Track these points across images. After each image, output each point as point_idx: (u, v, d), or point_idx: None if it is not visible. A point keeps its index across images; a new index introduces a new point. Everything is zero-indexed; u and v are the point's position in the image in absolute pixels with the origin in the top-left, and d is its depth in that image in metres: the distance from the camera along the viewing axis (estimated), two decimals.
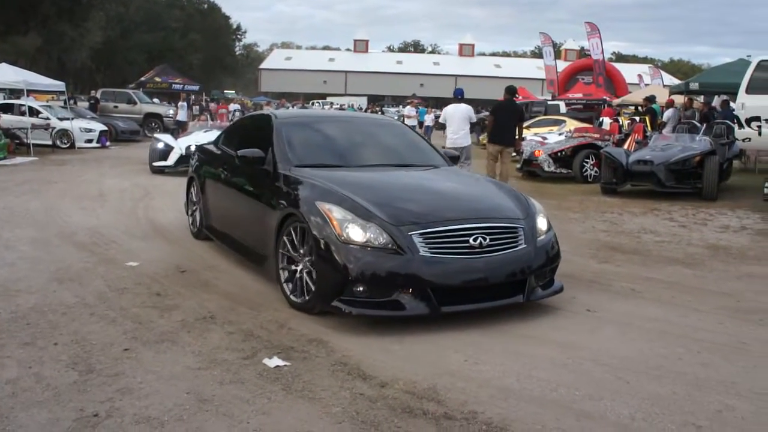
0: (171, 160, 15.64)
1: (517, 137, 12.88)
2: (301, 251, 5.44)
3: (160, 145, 16.08)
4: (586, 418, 3.72)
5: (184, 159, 14.96)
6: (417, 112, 34.70)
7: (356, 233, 5.11)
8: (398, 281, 5.02)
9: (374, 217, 5.20)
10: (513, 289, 5.40)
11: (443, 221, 5.31)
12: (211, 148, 8.28)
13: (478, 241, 5.22)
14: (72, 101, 30.55)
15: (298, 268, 5.47)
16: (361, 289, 5.01)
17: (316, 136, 7.09)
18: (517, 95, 13.83)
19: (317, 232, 5.21)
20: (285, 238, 5.62)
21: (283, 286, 5.63)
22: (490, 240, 5.28)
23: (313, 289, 5.26)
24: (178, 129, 26.00)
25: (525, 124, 17.39)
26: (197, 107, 31.21)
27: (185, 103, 31.07)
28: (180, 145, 15.77)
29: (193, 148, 14.45)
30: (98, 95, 32.15)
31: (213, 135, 15.51)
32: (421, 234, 5.14)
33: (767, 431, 3.65)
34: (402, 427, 3.56)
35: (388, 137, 7.49)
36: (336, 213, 5.24)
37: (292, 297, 5.52)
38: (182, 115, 29.57)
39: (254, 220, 6.35)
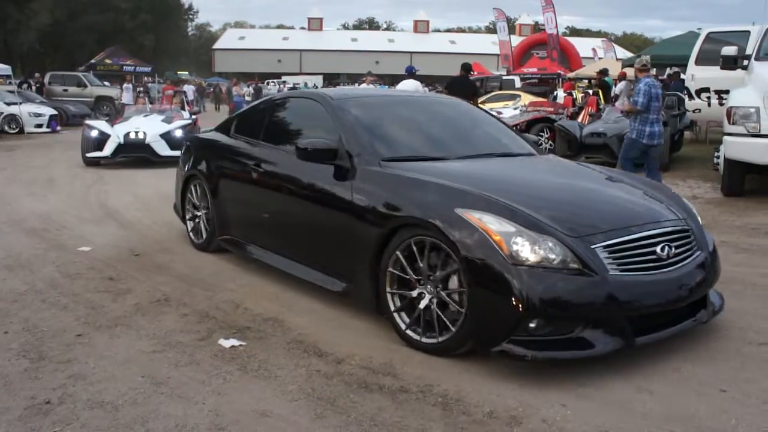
0: (107, 150, 13.75)
1: None
2: (431, 276, 4.18)
3: (94, 134, 13.94)
4: (539, 387, 3.77)
5: (123, 149, 13.74)
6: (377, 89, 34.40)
7: (528, 250, 3.83)
8: (586, 311, 3.87)
9: (545, 227, 3.96)
10: (692, 307, 4.35)
11: (623, 228, 4.15)
12: (220, 138, 6.80)
13: (666, 251, 4.16)
14: (26, 85, 29.80)
15: (417, 295, 4.26)
16: (535, 325, 3.79)
17: (388, 121, 5.73)
18: (472, 71, 14.03)
19: (467, 251, 3.90)
20: (399, 253, 4.33)
21: (395, 317, 4.39)
22: (675, 248, 4.25)
23: (455, 327, 4.03)
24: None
25: (480, 100, 17.76)
26: (141, 89, 29.64)
27: (130, 85, 29.53)
28: (117, 133, 13.88)
29: (135, 136, 13.66)
30: (47, 79, 31.42)
31: (154, 120, 14.75)
32: (605, 247, 3.97)
33: None
34: (358, 402, 3.57)
35: (465, 120, 6.19)
36: (493, 223, 3.94)
37: (410, 332, 4.29)
38: (127, 98, 27.42)
39: (326, 232, 5.03)
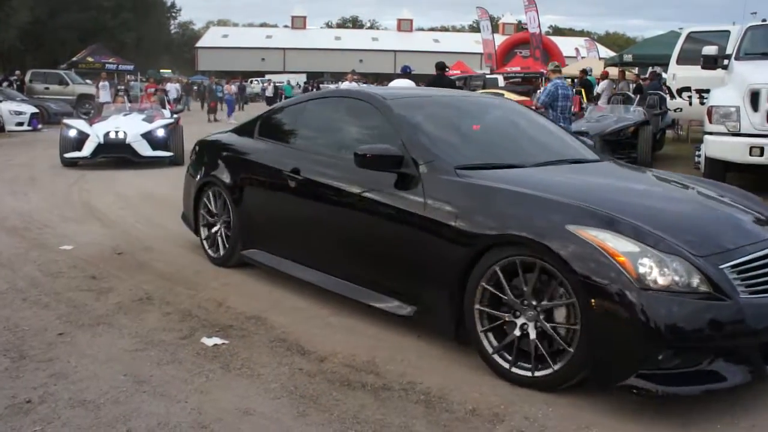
0: (86, 150, 13.18)
1: None
2: (532, 301, 3.71)
3: (73, 133, 13.39)
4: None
5: (102, 149, 13.20)
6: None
7: (656, 272, 3.40)
8: (719, 340, 3.46)
9: (671, 246, 3.52)
10: None
11: (747, 245, 3.73)
12: (242, 141, 6.19)
13: None
14: (7, 84, 29.53)
15: (512, 320, 3.80)
16: (664, 356, 3.38)
17: (449, 123, 5.24)
18: (447, 69, 14.30)
19: (584, 274, 3.44)
20: (500, 270, 3.80)
21: (482, 338, 3.94)
22: None
23: (559, 361, 3.60)
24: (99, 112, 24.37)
25: None
26: (122, 87, 28.78)
27: (107, 83, 27.87)
28: (97, 132, 13.28)
29: (116, 136, 13.06)
30: (28, 77, 31.15)
31: (134, 119, 14.24)
32: (733, 267, 3.54)
33: None
34: (341, 400, 3.58)
35: (521, 121, 5.64)
36: (614, 243, 3.49)
37: (497, 359, 3.86)
38: (104, 96, 26.23)
39: (387, 248, 4.50)
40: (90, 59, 40.19)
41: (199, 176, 6.41)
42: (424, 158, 4.45)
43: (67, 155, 13.35)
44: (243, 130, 6.40)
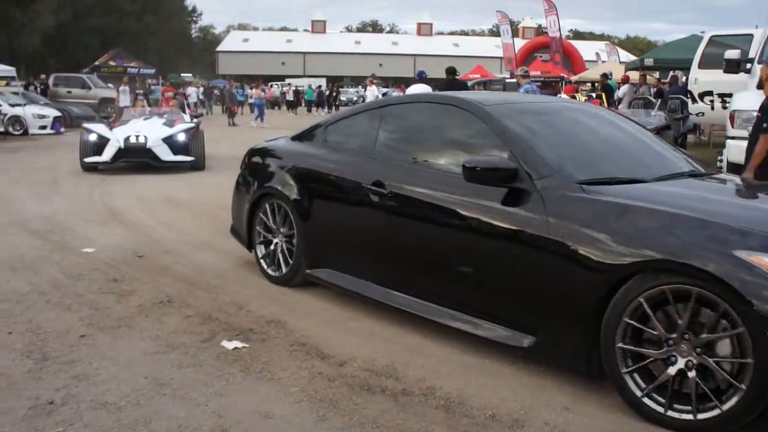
0: (107, 154, 12.92)
1: None
2: (691, 335, 3.32)
3: (93, 138, 13.16)
4: (541, 390, 3.78)
5: (123, 153, 12.95)
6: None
7: None
8: None
9: None
10: None
11: None
12: (306, 149, 5.75)
13: None
14: (33, 88, 29.87)
15: (665, 358, 3.41)
16: None
17: (558, 133, 4.73)
18: (457, 74, 14.53)
19: (762, 306, 3.07)
20: (646, 302, 3.41)
21: (627, 380, 3.51)
22: None
23: (727, 401, 3.21)
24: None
25: None
26: (141, 91, 28.70)
27: (127, 87, 27.72)
28: (117, 137, 13.04)
29: (136, 140, 12.84)
30: (51, 81, 31.48)
31: (154, 123, 14.04)
32: None
33: None
34: (360, 404, 3.58)
35: (623, 131, 5.10)
36: None
37: (648, 402, 3.43)
38: (124, 100, 26.06)
39: (499, 272, 4.05)
40: (112, 63, 40.54)
41: (254, 188, 5.95)
42: (541, 172, 4.01)
43: (87, 160, 13.13)
44: (304, 137, 5.93)
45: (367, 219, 4.92)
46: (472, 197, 4.21)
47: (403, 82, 42.27)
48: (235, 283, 5.75)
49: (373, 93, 25.04)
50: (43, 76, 34.31)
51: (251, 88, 41.77)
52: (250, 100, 39.17)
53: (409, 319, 4.74)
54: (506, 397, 3.69)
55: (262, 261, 5.89)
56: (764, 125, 5.94)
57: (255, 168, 6.13)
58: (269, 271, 5.80)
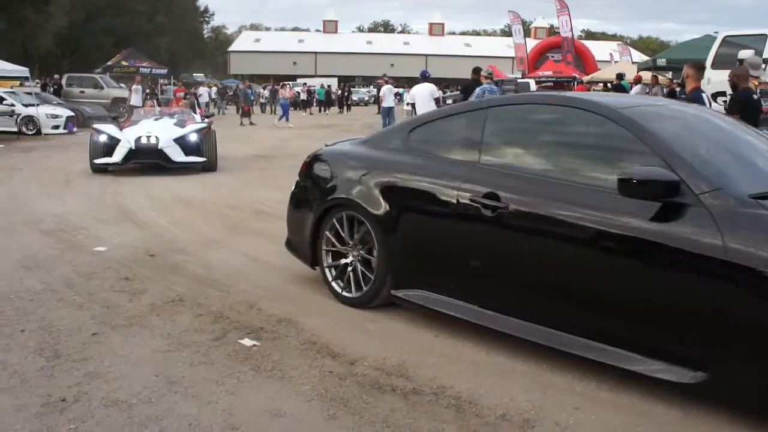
0: (117, 155, 12.68)
1: None
2: None
3: (103, 138, 12.89)
4: (552, 390, 3.77)
5: (134, 154, 12.71)
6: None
7: None
8: None
9: None
10: None
11: None
12: (389, 156, 5.12)
13: None
14: (50, 88, 30.07)
15: None
16: None
17: (703, 141, 4.22)
18: (482, 74, 14.58)
19: None
20: None
21: None
22: None
23: None
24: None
25: None
26: (148, 91, 28.45)
27: (139, 87, 27.41)
28: (128, 137, 12.80)
29: (147, 141, 12.61)
30: (64, 81, 31.67)
31: (165, 123, 13.84)
32: None
33: None
34: (371, 403, 3.58)
35: (749, 136, 4.53)
36: None
37: None
38: (136, 100, 25.74)
39: (662, 300, 3.55)
40: (124, 63, 40.69)
41: (321, 198, 5.34)
42: (708, 185, 3.54)
43: (98, 161, 12.87)
44: (380, 142, 5.39)
45: (475, 235, 4.35)
46: (616, 213, 3.72)
47: (414, 83, 42.22)
48: (246, 281, 5.76)
49: (391, 90, 25.32)
50: (56, 76, 34.46)
51: (263, 88, 41.78)
52: (262, 100, 39.24)
53: (420, 319, 4.74)
54: (517, 397, 3.68)
55: (331, 281, 5.29)
56: None
57: (321, 176, 5.46)
58: (342, 292, 5.18)
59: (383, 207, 4.85)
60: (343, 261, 5.21)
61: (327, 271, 5.32)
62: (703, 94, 7.64)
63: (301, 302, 5.23)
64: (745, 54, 10.83)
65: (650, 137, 3.85)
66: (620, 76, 21.24)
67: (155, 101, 20.17)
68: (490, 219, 4.22)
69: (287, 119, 28.83)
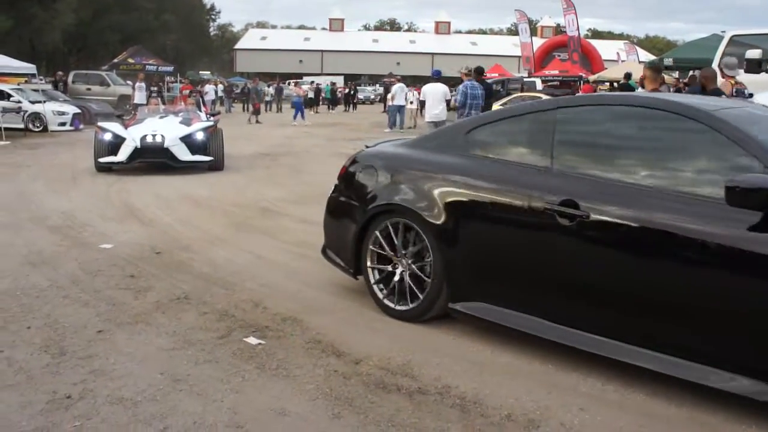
0: (122, 154, 12.41)
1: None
2: None
3: (108, 137, 12.59)
4: (557, 390, 3.76)
5: (139, 153, 12.45)
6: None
7: None
8: None
9: None
10: None
11: None
12: (446, 159, 4.77)
13: None
14: (61, 85, 30.14)
15: None
16: None
17: None
18: (484, 74, 15.04)
19: None
20: None
21: None
22: None
23: None
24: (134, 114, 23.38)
25: (502, 101, 18.08)
26: (155, 89, 28.09)
27: (143, 84, 26.89)
28: (133, 136, 12.53)
29: (153, 139, 12.35)
30: (71, 78, 31.73)
31: (171, 121, 13.53)
32: None
33: None
34: (376, 402, 3.58)
35: None
36: None
37: None
38: (140, 98, 25.25)
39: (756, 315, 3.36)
40: (131, 60, 40.80)
41: (366, 203, 5.00)
42: None
43: (102, 160, 12.58)
44: (432, 143, 5.06)
45: (548, 245, 4.05)
46: (715, 222, 3.50)
47: (420, 81, 42.13)
48: (251, 280, 5.76)
49: (402, 89, 25.43)
50: (60, 73, 34.41)
51: (267, 86, 41.71)
52: (267, 98, 39.17)
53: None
54: (522, 397, 3.67)
55: (378, 290, 4.97)
56: None
57: (365, 180, 5.14)
58: (392, 305, 4.85)
59: (440, 214, 4.52)
60: (391, 271, 4.88)
61: (372, 280, 5.00)
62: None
63: (307, 301, 5.23)
64: (752, 54, 10.78)
65: (749, 141, 3.61)
66: (628, 76, 21.16)
67: (160, 99, 19.61)
68: (566, 228, 3.93)
69: (303, 117, 28.85)
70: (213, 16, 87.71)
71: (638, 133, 4.14)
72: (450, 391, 3.73)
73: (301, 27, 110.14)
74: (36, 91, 23.48)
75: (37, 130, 21.82)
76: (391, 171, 4.98)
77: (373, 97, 56.26)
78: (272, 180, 12.13)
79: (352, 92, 46.15)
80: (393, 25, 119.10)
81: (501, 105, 21.68)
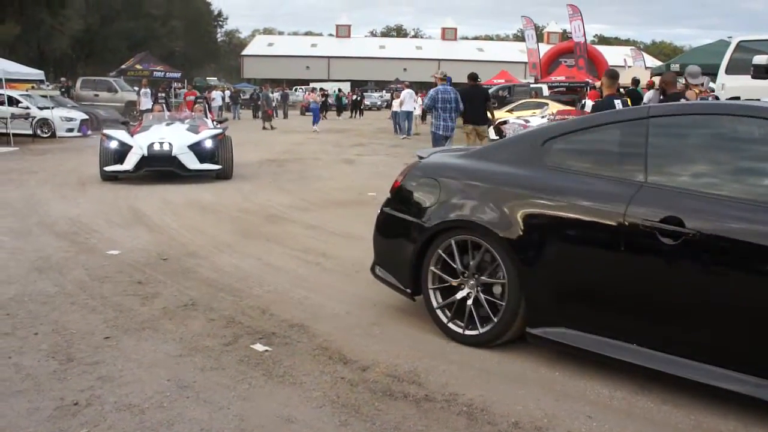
0: (129, 163, 12.02)
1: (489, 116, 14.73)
2: None
3: (114, 145, 12.21)
4: (564, 398, 3.75)
5: (146, 162, 12.04)
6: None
7: None
8: None
9: None
10: None
11: None
12: (521, 172, 4.38)
13: None
14: (64, 91, 30.31)
15: None
16: None
17: None
18: (479, 80, 15.18)
19: None
20: None
21: None
22: None
23: None
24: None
25: (508, 108, 18.11)
26: (162, 94, 28.44)
27: (148, 90, 27.14)
28: (140, 143, 12.15)
29: (161, 147, 11.94)
30: (78, 84, 31.85)
31: (178, 129, 13.06)
32: None
33: None
34: (382, 409, 3.57)
35: None
36: None
37: None
38: (146, 104, 25.49)
39: None
40: (138, 67, 40.81)
41: (427, 219, 4.63)
42: None
43: (108, 169, 12.19)
44: (503, 154, 4.65)
45: (646, 265, 3.74)
46: None
47: (426, 87, 42.15)
48: (258, 286, 5.77)
49: (411, 95, 25.47)
50: (63, 79, 34.44)
51: (272, 92, 41.70)
52: (272, 104, 39.16)
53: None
54: (529, 405, 3.66)
55: (442, 315, 4.59)
56: None
57: (424, 194, 4.78)
58: (459, 330, 4.50)
59: (517, 231, 4.16)
60: (459, 295, 4.51)
61: (436, 306, 4.63)
62: (617, 101, 8.05)
63: (313, 307, 5.23)
64: (759, 59, 10.73)
65: None
66: (636, 81, 21.14)
67: (163, 105, 19.04)
68: (669, 248, 3.62)
69: (314, 123, 28.97)
70: (220, 23, 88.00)
71: (744, 144, 3.87)
72: (457, 398, 3.72)
73: (308, 33, 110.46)
74: (44, 97, 23.57)
75: (45, 136, 21.92)
76: (457, 184, 4.60)
77: (379, 103, 56.31)
78: (279, 186, 12.14)
79: (358, 98, 46.15)
80: (399, 32, 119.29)
81: (508, 111, 21.74)
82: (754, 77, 10.95)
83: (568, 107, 21.57)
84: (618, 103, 7.96)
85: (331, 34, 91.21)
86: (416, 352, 4.35)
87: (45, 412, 3.50)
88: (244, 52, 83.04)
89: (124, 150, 12.18)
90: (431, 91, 12.91)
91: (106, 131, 13.06)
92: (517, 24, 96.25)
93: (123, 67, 40.75)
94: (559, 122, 5.06)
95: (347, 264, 6.51)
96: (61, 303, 5.29)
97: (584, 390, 3.83)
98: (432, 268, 4.61)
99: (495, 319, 4.30)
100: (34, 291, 5.58)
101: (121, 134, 12.75)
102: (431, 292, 4.64)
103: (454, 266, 4.49)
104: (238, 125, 29.44)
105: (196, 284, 5.85)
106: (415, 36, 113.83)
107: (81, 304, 5.28)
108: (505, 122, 18.35)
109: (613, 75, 8.58)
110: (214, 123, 15.25)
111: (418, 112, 27.78)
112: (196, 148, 12.47)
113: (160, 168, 12.29)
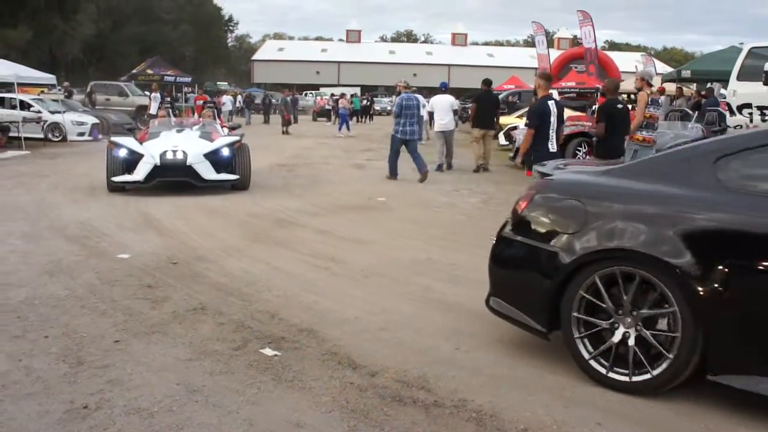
0: (140, 173, 11.09)
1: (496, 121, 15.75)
2: None
3: (122, 153, 11.26)
4: (574, 404, 3.73)
5: (159, 171, 11.09)
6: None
7: None
8: None
9: None
10: None
11: None
12: (692, 194, 3.79)
13: None
14: (68, 95, 30.40)
15: None
16: None
17: None
18: (492, 86, 15.73)
19: None
20: None
21: None
22: None
23: None
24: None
25: (519, 113, 18.21)
26: (168, 99, 28.20)
27: (158, 95, 26.30)
28: (151, 152, 11.18)
29: (174, 156, 10.93)
30: (89, 88, 31.98)
31: (191, 136, 12.14)
32: None
33: None
34: (391, 415, 3.57)
35: None
36: None
37: None
38: (156, 108, 23.80)
39: None
40: (149, 71, 40.97)
41: (570, 246, 4.02)
42: None
43: (116, 179, 11.28)
44: (663, 172, 4.02)
45: None
46: None
47: (432, 93, 42.14)
48: (267, 291, 5.77)
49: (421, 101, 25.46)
50: (66, 83, 34.24)
51: (290, 97, 41.67)
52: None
53: (440, 332, 4.71)
54: (538, 412, 3.64)
55: (597, 365, 3.95)
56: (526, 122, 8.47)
57: (565, 217, 4.14)
58: (625, 378, 3.85)
59: (694, 263, 3.58)
60: (606, 333, 3.96)
61: (588, 356, 3.98)
62: (550, 102, 8.48)
63: (322, 312, 5.23)
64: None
65: None
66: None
67: (168, 111, 17.56)
68: None
69: (348, 128, 29.24)
70: (231, 28, 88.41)
71: None
72: (466, 404, 3.71)
73: (318, 38, 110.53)
74: (55, 101, 23.69)
75: (56, 140, 22.02)
76: (609, 207, 4.00)
77: (389, 108, 56.30)
78: (289, 191, 12.15)
79: (368, 103, 46.13)
80: (410, 37, 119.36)
81: (518, 116, 21.70)
82: (765, 84, 10.91)
83: (578, 113, 21.51)
84: (551, 105, 8.41)
85: (341, 40, 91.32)
86: (425, 357, 4.35)
87: (55, 415, 3.51)
88: (254, 57, 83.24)
89: (134, 159, 11.30)
90: (397, 99, 13.61)
91: (114, 138, 12.01)
92: (527, 29, 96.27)
93: (134, 71, 40.93)
94: (729, 137, 4.58)
95: (356, 269, 6.52)
96: (72, 306, 5.31)
97: (594, 397, 3.82)
98: (578, 305, 3.99)
99: (661, 365, 3.72)
100: (45, 294, 5.60)
101: (129, 142, 11.65)
102: (579, 342, 4.01)
103: (608, 304, 3.91)
104: (248, 130, 29.43)
105: (206, 288, 5.86)
106: (425, 41, 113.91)
107: (91, 307, 5.30)
108: (515, 128, 18.30)
109: (548, 77, 9.21)
110: (223, 128, 14.32)
111: (425, 117, 27.73)
112: (212, 157, 11.53)
113: (173, 178, 11.35)
